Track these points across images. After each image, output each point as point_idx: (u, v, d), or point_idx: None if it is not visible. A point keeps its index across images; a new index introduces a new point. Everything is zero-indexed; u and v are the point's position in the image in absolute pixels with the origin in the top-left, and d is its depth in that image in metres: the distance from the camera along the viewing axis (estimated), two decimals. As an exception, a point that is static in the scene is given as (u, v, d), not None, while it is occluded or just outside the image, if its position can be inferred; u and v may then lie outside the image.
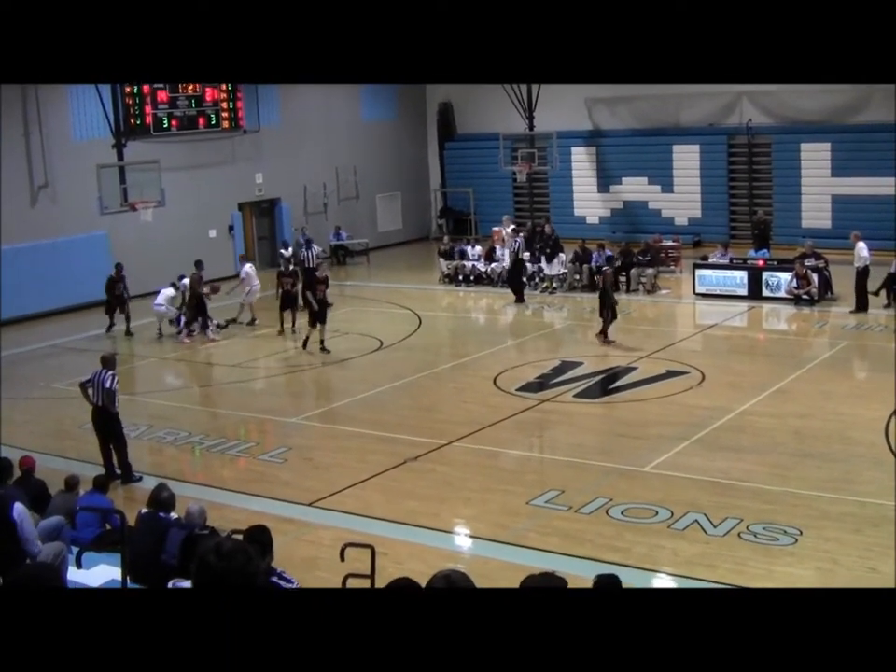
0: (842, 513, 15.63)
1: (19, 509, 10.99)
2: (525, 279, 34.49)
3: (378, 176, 46.59)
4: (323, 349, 27.46)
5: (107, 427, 18.95)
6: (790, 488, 16.74)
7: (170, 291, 30.94)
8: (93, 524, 15.11)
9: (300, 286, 30.06)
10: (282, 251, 37.07)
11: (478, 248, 37.67)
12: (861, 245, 29.41)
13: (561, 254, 35.14)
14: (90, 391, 18.97)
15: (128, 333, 30.99)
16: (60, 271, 34.52)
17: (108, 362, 19.07)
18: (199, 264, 30.76)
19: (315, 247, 34.44)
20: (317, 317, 27.67)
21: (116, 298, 31.09)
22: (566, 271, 34.85)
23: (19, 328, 32.53)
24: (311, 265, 31.67)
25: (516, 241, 34.37)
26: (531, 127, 40.85)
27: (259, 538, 10.18)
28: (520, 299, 33.08)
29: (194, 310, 30.06)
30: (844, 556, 14.18)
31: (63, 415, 23.37)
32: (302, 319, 29.19)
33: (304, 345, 27.88)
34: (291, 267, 32.03)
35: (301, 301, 29.84)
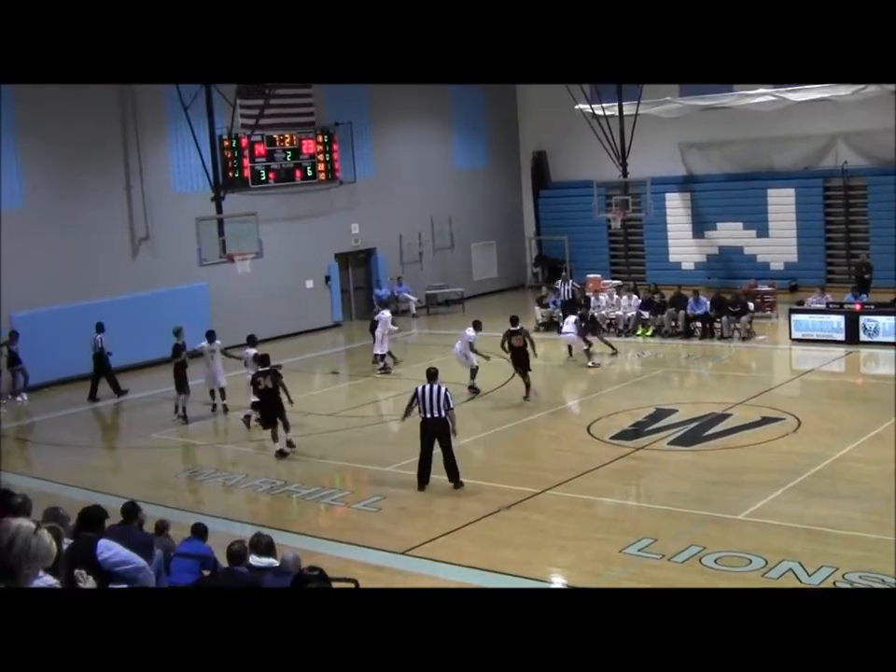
0: (941, 562, 15.29)
1: (102, 545, 10.78)
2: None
3: (473, 225, 46.79)
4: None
5: (442, 434, 20.11)
6: (887, 536, 16.43)
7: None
8: (190, 570, 15.26)
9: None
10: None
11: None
12: None
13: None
14: (416, 406, 20.21)
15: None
16: (160, 322, 34.79)
17: (433, 377, 20.34)
18: (478, 325, 29.18)
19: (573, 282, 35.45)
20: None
21: None
22: (663, 316, 34.82)
23: (119, 377, 32.97)
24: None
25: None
26: (625, 174, 40.74)
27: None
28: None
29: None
30: (943, 606, 13.85)
31: (161, 464, 23.68)
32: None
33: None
34: (520, 325, 28.56)
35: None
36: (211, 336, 28.71)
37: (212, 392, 28.41)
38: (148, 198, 35.73)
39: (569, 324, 32.15)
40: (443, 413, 19.98)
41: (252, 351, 26.56)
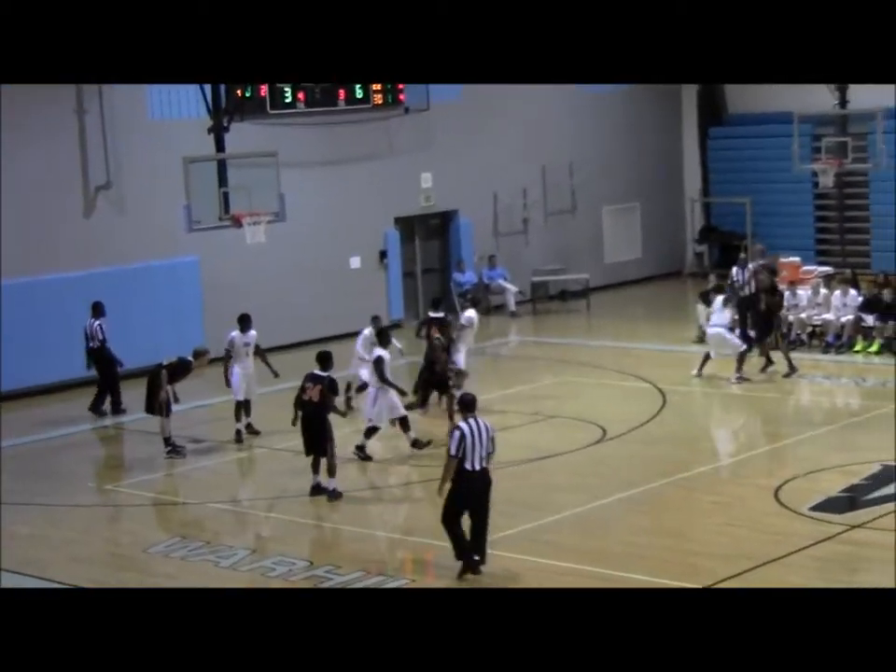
0: None
1: None
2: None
3: (605, 179, 46.73)
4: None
5: (485, 493, 20.02)
6: None
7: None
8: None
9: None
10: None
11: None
12: None
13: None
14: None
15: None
16: (128, 315, 34.58)
17: (472, 406, 20.03)
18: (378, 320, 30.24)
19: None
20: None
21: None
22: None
23: (65, 396, 32.96)
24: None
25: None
26: (843, 103, 40.42)
27: None
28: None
29: None
30: None
31: (123, 532, 23.70)
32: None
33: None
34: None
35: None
36: (245, 323, 29.12)
37: (238, 406, 28.87)
38: (112, 126, 35.75)
39: (720, 312, 32.48)
40: (486, 462, 19.88)
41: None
